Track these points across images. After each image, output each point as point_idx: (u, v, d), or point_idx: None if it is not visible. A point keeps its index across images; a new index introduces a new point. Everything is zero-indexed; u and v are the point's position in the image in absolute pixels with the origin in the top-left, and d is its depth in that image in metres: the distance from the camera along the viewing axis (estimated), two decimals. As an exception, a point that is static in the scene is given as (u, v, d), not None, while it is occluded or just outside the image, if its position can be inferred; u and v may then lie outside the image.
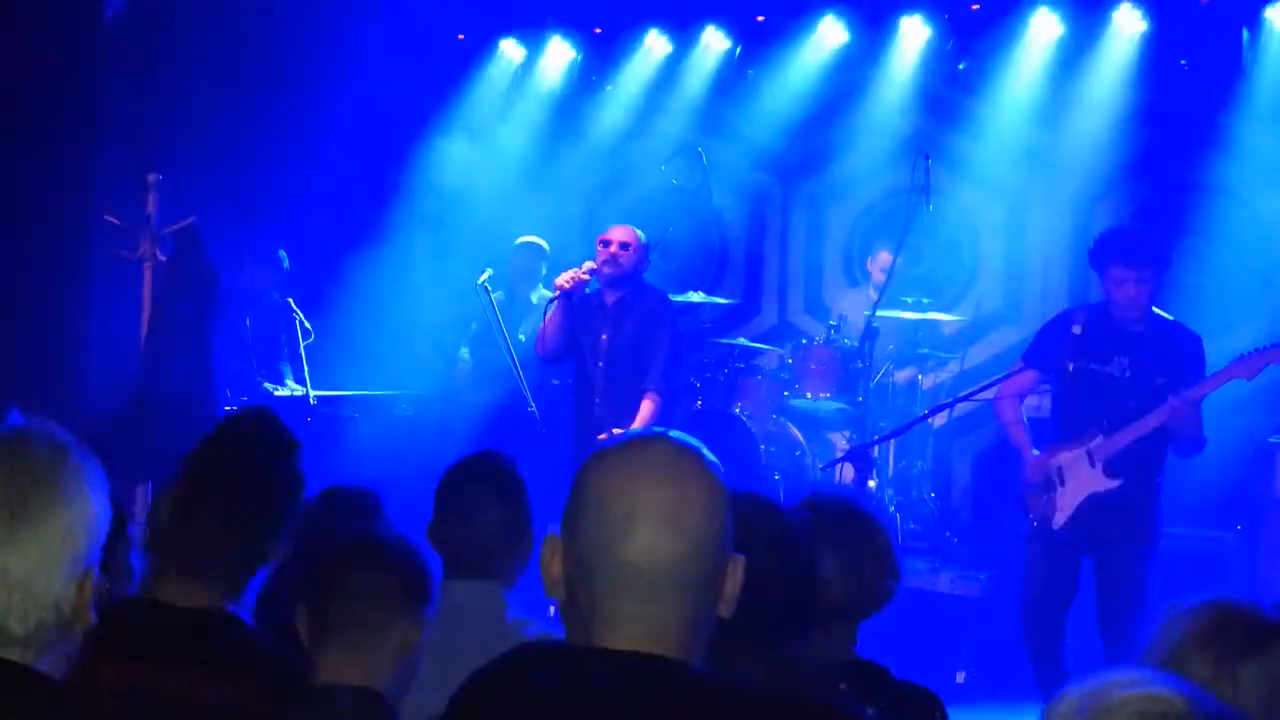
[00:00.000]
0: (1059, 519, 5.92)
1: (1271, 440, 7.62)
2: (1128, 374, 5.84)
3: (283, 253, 8.32)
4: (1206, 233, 8.36)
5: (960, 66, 9.07)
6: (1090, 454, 5.85)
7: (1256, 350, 5.75)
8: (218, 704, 2.61)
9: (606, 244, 7.13)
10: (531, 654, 1.99)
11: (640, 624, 1.84)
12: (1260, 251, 8.26)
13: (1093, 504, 5.86)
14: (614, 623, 1.85)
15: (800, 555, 2.57)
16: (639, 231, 7.22)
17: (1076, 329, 5.94)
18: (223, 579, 2.80)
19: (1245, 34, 8.33)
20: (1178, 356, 5.82)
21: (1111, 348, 5.86)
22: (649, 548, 1.83)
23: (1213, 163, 8.38)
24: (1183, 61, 8.52)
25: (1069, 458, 5.91)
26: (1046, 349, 6.07)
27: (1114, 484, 5.81)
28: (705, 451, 1.93)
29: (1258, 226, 8.22)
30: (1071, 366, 5.94)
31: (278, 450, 2.92)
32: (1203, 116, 8.43)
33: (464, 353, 8.59)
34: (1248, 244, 8.22)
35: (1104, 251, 5.85)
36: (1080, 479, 5.88)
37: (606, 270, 7.07)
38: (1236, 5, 8.25)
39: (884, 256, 8.50)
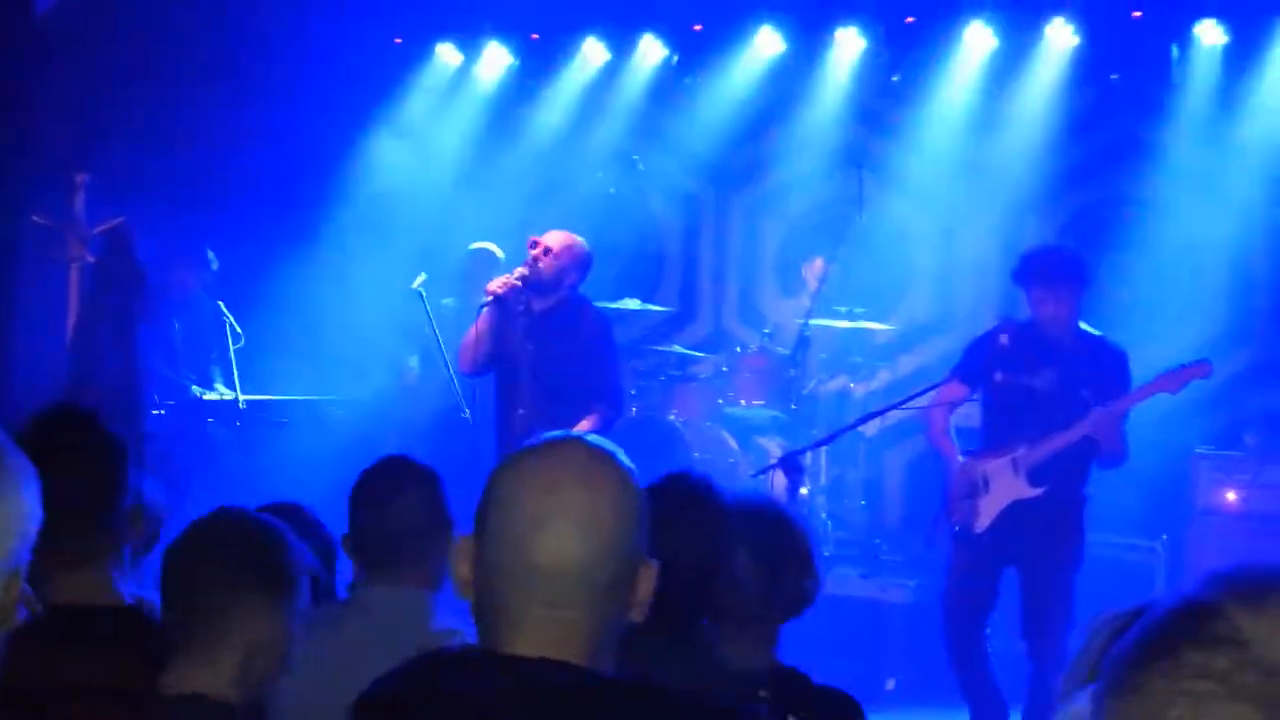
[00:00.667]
0: (981, 523, 6.00)
1: (1197, 451, 7.75)
2: (1053, 386, 5.93)
3: (211, 254, 8.24)
4: (1136, 246, 8.47)
5: (894, 79, 9.14)
6: (1015, 462, 5.95)
7: (1182, 366, 5.85)
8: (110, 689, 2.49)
9: (534, 244, 6.66)
10: (439, 659, 1.98)
11: (549, 628, 1.83)
12: (1187, 264, 8.37)
13: (1016, 511, 5.94)
14: (522, 627, 1.84)
15: (711, 543, 2.58)
16: (576, 239, 6.75)
17: (1004, 339, 6.05)
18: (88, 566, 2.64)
19: (1175, 49, 8.45)
20: (1103, 370, 5.93)
21: (1038, 361, 5.96)
22: (559, 551, 1.82)
23: (1142, 176, 8.51)
24: (1114, 75, 8.64)
25: (994, 465, 6.01)
26: (974, 361, 6.18)
27: (1037, 491, 5.90)
28: (620, 456, 1.92)
29: (1185, 240, 8.33)
30: (999, 377, 6.04)
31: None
32: (1132, 130, 8.56)
33: (413, 361, 8.53)
34: (1175, 257, 8.33)
35: (1023, 273, 5.98)
36: (1004, 486, 5.97)
37: (524, 271, 6.58)
38: (1166, 21, 8.36)
39: (818, 264, 8.54)
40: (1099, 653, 2.29)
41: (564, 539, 1.82)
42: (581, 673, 1.83)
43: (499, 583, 1.85)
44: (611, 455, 1.91)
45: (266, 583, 2.40)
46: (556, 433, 1.97)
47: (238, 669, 2.35)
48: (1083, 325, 6.00)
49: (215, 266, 8.24)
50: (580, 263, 6.74)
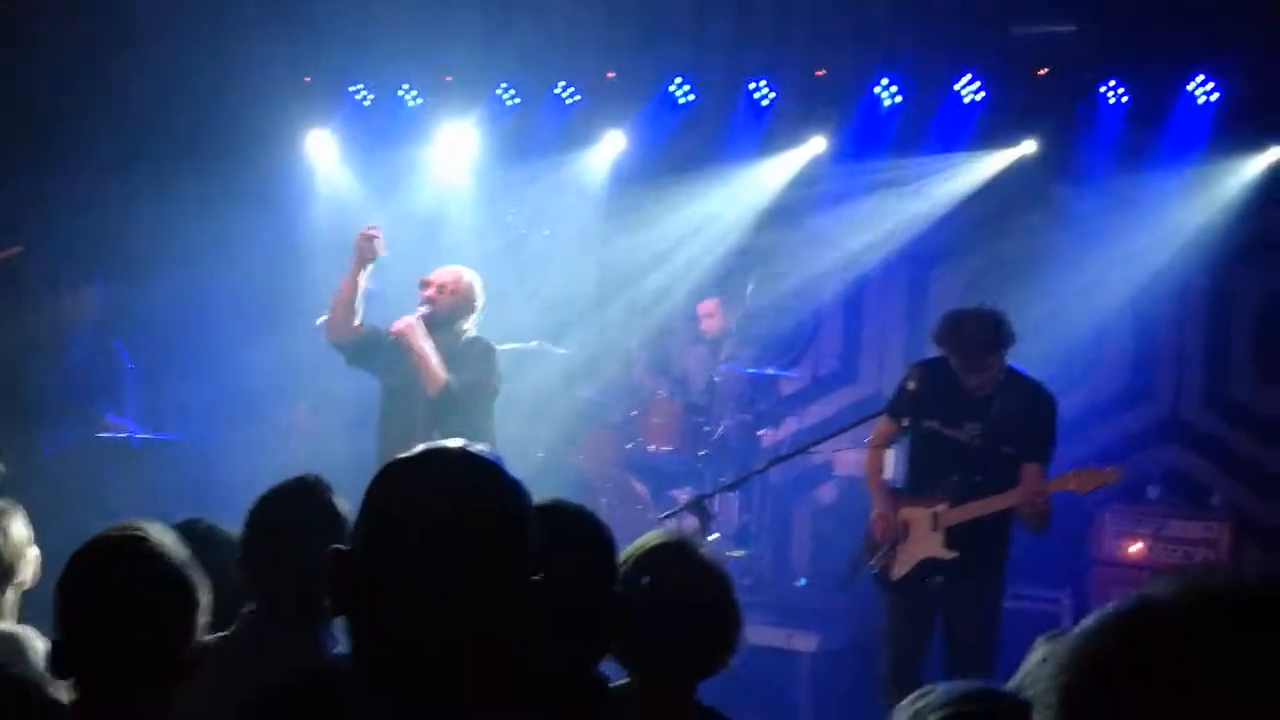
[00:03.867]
0: (897, 571, 5.97)
1: (1094, 506, 7.82)
2: (976, 441, 5.88)
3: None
4: (1040, 301, 8.57)
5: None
6: (935, 517, 5.92)
7: (1096, 469, 5.88)
8: None
9: (425, 285, 6.60)
10: (318, 679, 1.88)
11: (429, 651, 1.70)
12: (1091, 320, 8.48)
13: (932, 566, 5.91)
14: (400, 649, 1.71)
15: (606, 573, 2.48)
16: (465, 273, 6.68)
17: (911, 386, 5.95)
18: None
19: (1077, 109, 8.59)
20: (1028, 425, 5.86)
21: (962, 412, 5.91)
22: (441, 565, 1.69)
23: (1046, 231, 8.62)
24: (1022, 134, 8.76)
25: (914, 515, 5.97)
26: (901, 402, 6.07)
27: (952, 555, 5.87)
28: (504, 467, 1.79)
29: (1089, 295, 8.44)
30: (924, 424, 5.98)
31: None
32: (1036, 186, 8.67)
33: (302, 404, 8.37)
34: (1079, 313, 8.43)
35: (943, 338, 5.91)
36: (921, 539, 5.94)
37: (423, 311, 6.50)
38: (1070, 80, 8.49)
39: (709, 304, 8.56)
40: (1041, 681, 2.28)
41: (447, 553, 1.69)
42: (463, 701, 1.71)
43: (376, 601, 1.71)
44: (497, 465, 1.79)
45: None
46: (437, 443, 1.83)
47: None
48: (1013, 366, 5.96)
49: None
50: (473, 295, 6.65)
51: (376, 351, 6.54)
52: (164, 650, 2.38)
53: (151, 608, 2.37)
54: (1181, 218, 8.31)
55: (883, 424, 6.17)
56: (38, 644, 3.34)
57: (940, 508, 5.91)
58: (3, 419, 6.74)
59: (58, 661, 2.37)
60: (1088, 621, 1.13)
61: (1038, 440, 5.87)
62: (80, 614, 2.38)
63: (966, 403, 5.89)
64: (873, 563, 6.02)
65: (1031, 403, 5.91)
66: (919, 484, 6.08)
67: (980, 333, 5.83)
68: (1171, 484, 8.30)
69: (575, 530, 2.47)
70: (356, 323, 6.47)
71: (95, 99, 8.32)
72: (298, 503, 3.16)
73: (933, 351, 6.11)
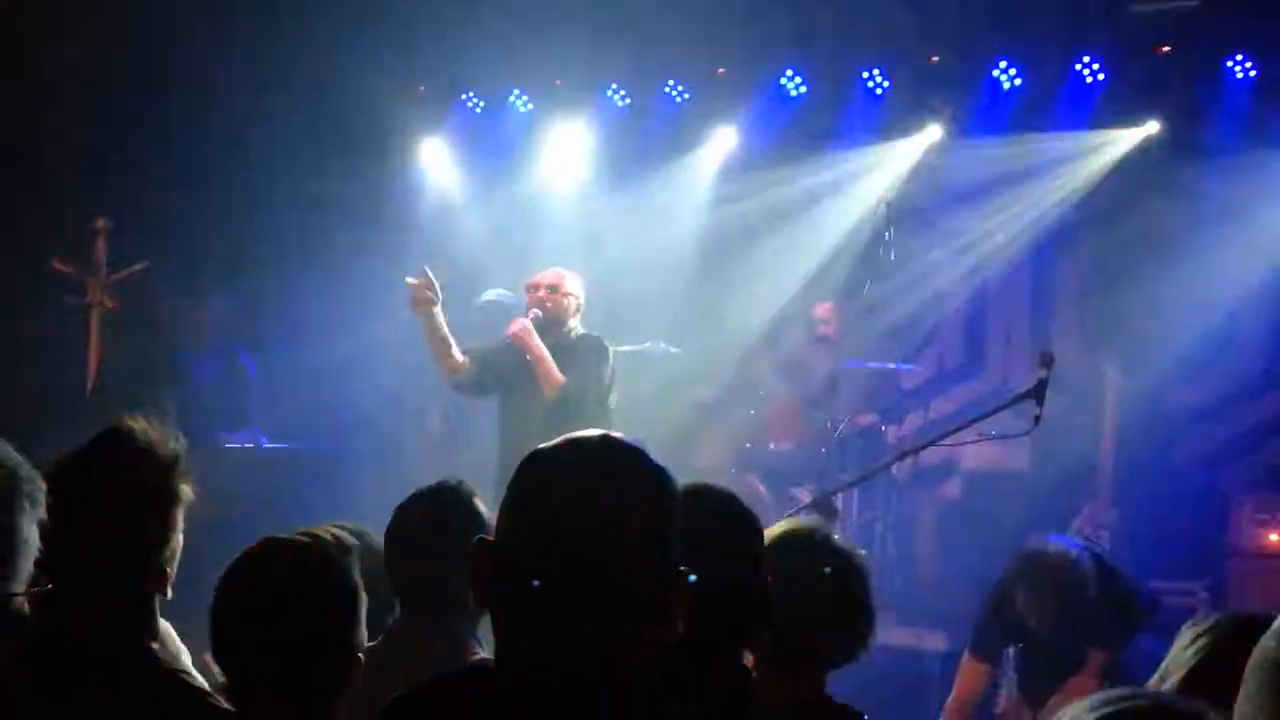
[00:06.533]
0: None
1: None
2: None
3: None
4: (1164, 282, 8.33)
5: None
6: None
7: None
8: None
9: (534, 288, 6.64)
10: (458, 678, 1.87)
11: (570, 640, 1.67)
12: (1220, 305, 8.23)
13: None
14: (542, 638, 1.68)
15: (748, 560, 2.41)
16: (570, 273, 6.70)
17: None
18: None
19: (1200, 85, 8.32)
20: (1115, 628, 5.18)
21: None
22: (583, 554, 1.65)
23: (1170, 211, 8.38)
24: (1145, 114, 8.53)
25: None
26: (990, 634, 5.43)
27: None
28: (648, 453, 1.75)
29: (1216, 276, 8.17)
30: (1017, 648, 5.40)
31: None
32: (1161, 166, 8.43)
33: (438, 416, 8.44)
34: (1205, 295, 8.17)
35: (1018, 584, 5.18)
36: None
37: (535, 315, 6.53)
38: (1193, 56, 8.21)
39: (825, 309, 8.46)
40: (1192, 659, 2.23)
41: (589, 541, 1.65)
42: (601, 691, 1.68)
43: (520, 590, 1.67)
44: (639, 451, 1.74)
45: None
46: (580, 432, 1.79)
47: None
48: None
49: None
50: (579, 293, 6.68)
51: (491, 373, 6.58)
52: (328, 662, 2.37)
53: (317, 616, 2.36)
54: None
55: (972, 667, 5.44)
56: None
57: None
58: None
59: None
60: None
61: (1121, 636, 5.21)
62: (234, 626, 2.36)
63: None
64: None
65: (1128, 610, 5.23)
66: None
67: (1049, 570, 5.04)
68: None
69: (720, 513, 2.40)
70: (460, 359, 6.48)
71: (212, 114, 8.46)
72: (440, 507, 3.17)
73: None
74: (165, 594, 2.53)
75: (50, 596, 2.26)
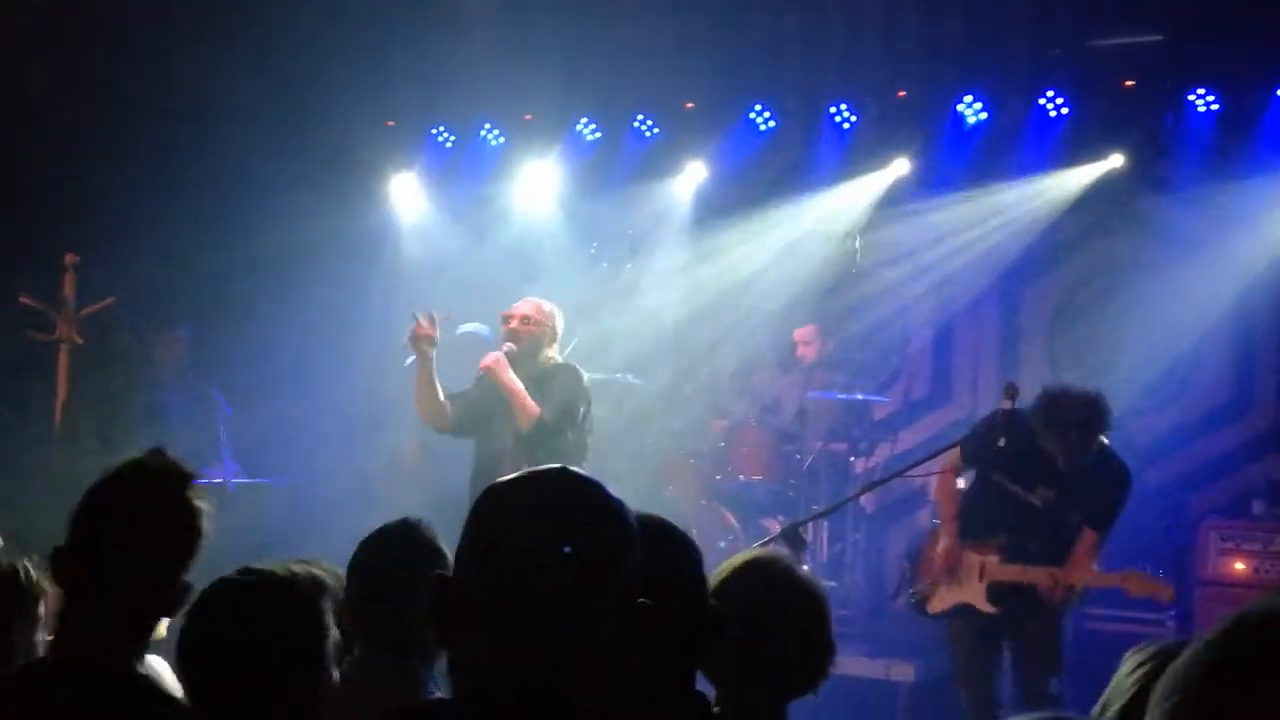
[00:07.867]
0: (934, 606, 6.07)
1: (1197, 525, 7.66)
2: (1049, 505, 5.83)
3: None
4: (1133, 314, 8.41)
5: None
6: (983, 568, 5.93)
7: (1149, 576, 5.90)
8: None
9: (508, 319, 6.59)
10: (420, 711, 1.86)
11: (527, 673, 1.68)
12: (1188, 333, 8.30)
13: (970, 611, 5.96)
14: (499, 670, 1.69)
15: (697, 585, 2.42)
16: (544, 304, 6.63)
17: (1002, 443, 5.74)
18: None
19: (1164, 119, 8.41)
20: (1098, 493, 5.81)
21: (1038, 475, 5.82)
22: (540, 587, 1.67)
23: (1135, 244, 8.46)
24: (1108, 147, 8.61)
25: (969, 559, 5.96)
26: (979, 447, 5.94)
27: (990, 610, 5.90)
28: (607, 488, 1.77)
29: (1186, 307, 8.25)
30: (995, 477, 5.92)
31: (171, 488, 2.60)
32: (1125, 199, 8.51)
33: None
34: (1176, 326, 8.24)
35: (1039, 419, 5.74)
36: (964, 585, 5.98)
37: (510, 348, 6.47)
38: (1156, 90, 8.31)
39: (806, 331, 8.50)
40: (1132, 688, 2.22)
41: (549, 573, 1.66)
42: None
43: (479, 623, 1.69)
44: (599, 486, 1.76)
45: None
46: (540, 467, 1.80)
47: None
48: (1105, 444, 5.80)
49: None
50: (554, 323, 6.64)
51: (471, 414, 6.54)
52: (291, 700, 2.36)
53: (280, 654, 2.35)
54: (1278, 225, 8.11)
55: (955, 455, 6.04)
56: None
57: (990, 559, 5.90)
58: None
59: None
60: (1196, 643, 1.14)
61: (1104, 508, 5.81)
62: (205, 659, 2.35)
63: (1046, 466, 5.79)
64: (914, 590, 6.06)
65: (1106, 471, 5.79)
66: (970, 527, 6.03)
67: (1076, 417, 5.69)
68: (1277, 498, 8.06)
69: (661, 542, 2.41)
70: (444, 406, 6.46)
71: (181, 150, 8.47)
72: (400, 544, 3.15)
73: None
74: (172, 615, 2.56)
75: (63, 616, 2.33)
